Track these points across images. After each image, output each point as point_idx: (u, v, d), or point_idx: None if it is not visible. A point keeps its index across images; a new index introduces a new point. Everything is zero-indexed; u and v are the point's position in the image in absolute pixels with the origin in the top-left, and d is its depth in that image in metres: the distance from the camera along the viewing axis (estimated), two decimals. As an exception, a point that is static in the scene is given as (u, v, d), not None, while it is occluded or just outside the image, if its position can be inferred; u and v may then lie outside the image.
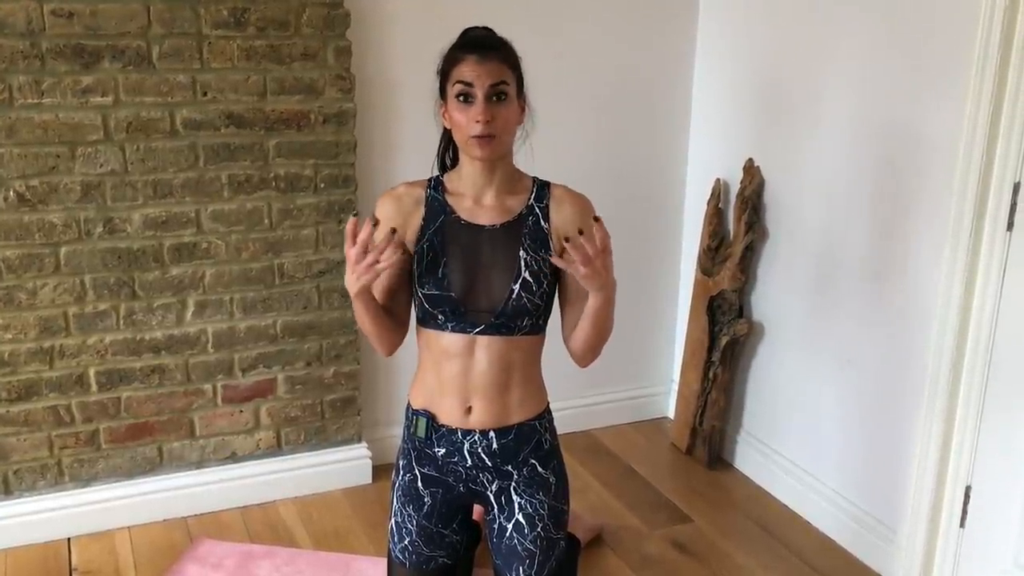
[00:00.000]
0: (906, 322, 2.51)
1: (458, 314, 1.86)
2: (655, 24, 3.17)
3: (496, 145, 1.82)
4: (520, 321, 1.87)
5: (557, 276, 1.94)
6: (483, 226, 1.88)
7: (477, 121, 1.79)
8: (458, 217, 1.89)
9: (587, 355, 1.94)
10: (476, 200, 1.91)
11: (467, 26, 1.93)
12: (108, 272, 2.63)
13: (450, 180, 1.95)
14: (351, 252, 1.74)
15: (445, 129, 1.96)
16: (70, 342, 2.64)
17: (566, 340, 1.95)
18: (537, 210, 1.91)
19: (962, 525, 2.43)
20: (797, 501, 2.95)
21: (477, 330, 1.86)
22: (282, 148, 2.72)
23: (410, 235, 1.92)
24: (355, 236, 1.74)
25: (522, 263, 1.87)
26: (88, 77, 2.49)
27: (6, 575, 2.55)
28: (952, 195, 2.30)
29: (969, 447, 2.37)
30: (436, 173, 1.99)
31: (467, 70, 1.81)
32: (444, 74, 1.87)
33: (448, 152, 2.01)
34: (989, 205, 2.24)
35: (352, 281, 1.78)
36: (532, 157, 2.00)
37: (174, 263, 2.69)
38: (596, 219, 1.72)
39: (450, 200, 1.91)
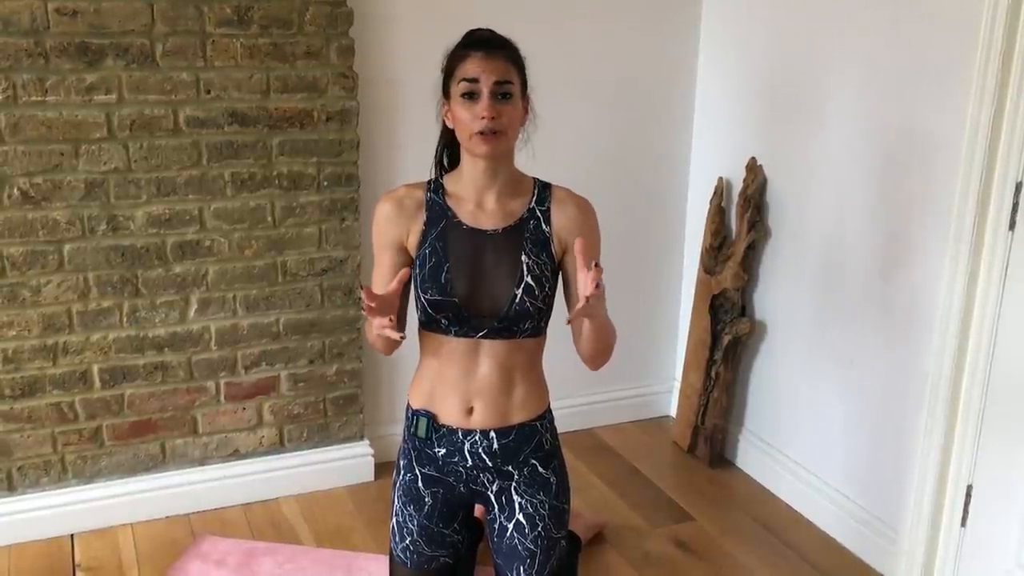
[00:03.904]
0: (908, 321, 2.51)
1: (461, 319, 1.86)
2: (658, 22, 3.17)
3: (501, 142, 1.82)
4: (523, 324, 1.87)
5: (558, 279, 1.94)
6: (484, 230, 1.88)
7: (482, 117, 1.78)
8: (460, 221, 1.89)
9: (597, 359, 1.95)
10: (477, 203, 1.90)
11: (470, 24, 1.93)
12: (111, 269, 2.63)
13: (450, 182, 1.94)
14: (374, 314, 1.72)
15: (444, 129, 1.96)
16: (73, 339, 2.65)
17: (577, 348, 1.96)
18: (538, 213, 1.91)
19: (963, 524, 2.43)
20: (799, 500, 2.95)
21: (480, 334, 1.87)
22: (285, 146, 2.72)
23: (412, 239, 1.92)
24: (372, 298, 1.70)
25: (524, 267, 1.86)
26: (92, 75, 2.49)
27: (10, 572, 2.56)
28: (954, 194, 2.29)
29: (971, 446, 2.37)
30: (434, 175, 1.99)
31: (472, 66, 1.81)
32: (448, 72, 1.87)
33: (446, 153, 2.00)
34: (991, 205, 2.24)
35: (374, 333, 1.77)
36: (533, 158, 2.00)
37: (177, 261, 2.70)
38: (596, 265, 1.68)
39: (451, 203, 1.91)
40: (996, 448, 2.32)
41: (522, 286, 1.85)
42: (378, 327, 1.72)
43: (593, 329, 1.84)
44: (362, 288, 1.70)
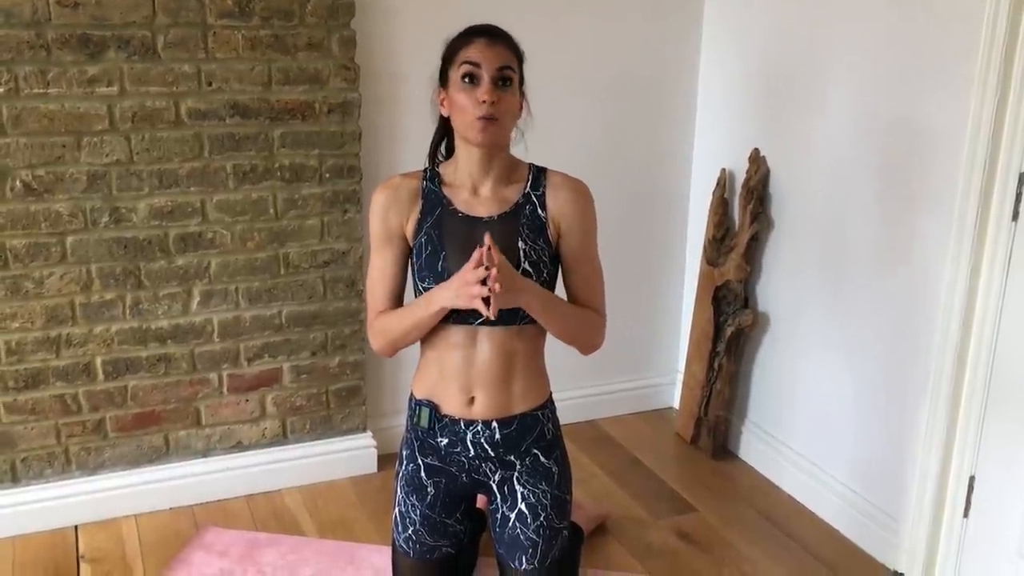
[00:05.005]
0: (911, 312, 2.51)
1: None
2: (661, 14, 3.16)
3: (498, 131, 1.82)
4: (521, 311, 1.87)
5: (558, 264, 1.95)
6: (480, 218, 1.88)
7: (483, 101, 1.78)
8: (455, 209, 1.89)
9: (572, 345, 1.98)
10: (473, 191, 1.90)
11: (472, 17, 1.94)
12: (114, 261, 2.64)
13: (446, 171, 1.94)
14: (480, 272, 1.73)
15: (441, 120, 1.96)
16: (77, 331, 2.65)
17: None
18: (534, 198, 1.91)
19: (966, 515, 2.43)
20: (801, 491, 2.95)
21: (479, 321, 1.87)
22: (287, 138, 2.72)
23: (409, 228, 1.92)
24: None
25: (521, 254, 1.87)
26: (94, 67, 2.49)
27: (14, 562, 2.57)
28: (957, 185, 2.29)
29: (973, 437, 2.37)
30: (428, 164, 1.99)
31: (475, 51, 1.81)
32: (448, 59, 1.87)
33: (442, 144, 2.01)
34: (994, 195, 2.23)
35: (466, 296, 1.76)
36: (533, 153, 2.00)
37: (180, 253, 2.70)
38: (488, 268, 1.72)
39: (447, 192, 1.91)
40: (999, 439, 2.32)
41: (519, 272, 1.85)
42: (477, 293, 1.72)
43: (545, 323, 1.89)
44: (487, 249, 1.71)
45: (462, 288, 1.75)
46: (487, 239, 1.73)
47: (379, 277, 1.95)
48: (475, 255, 1.74)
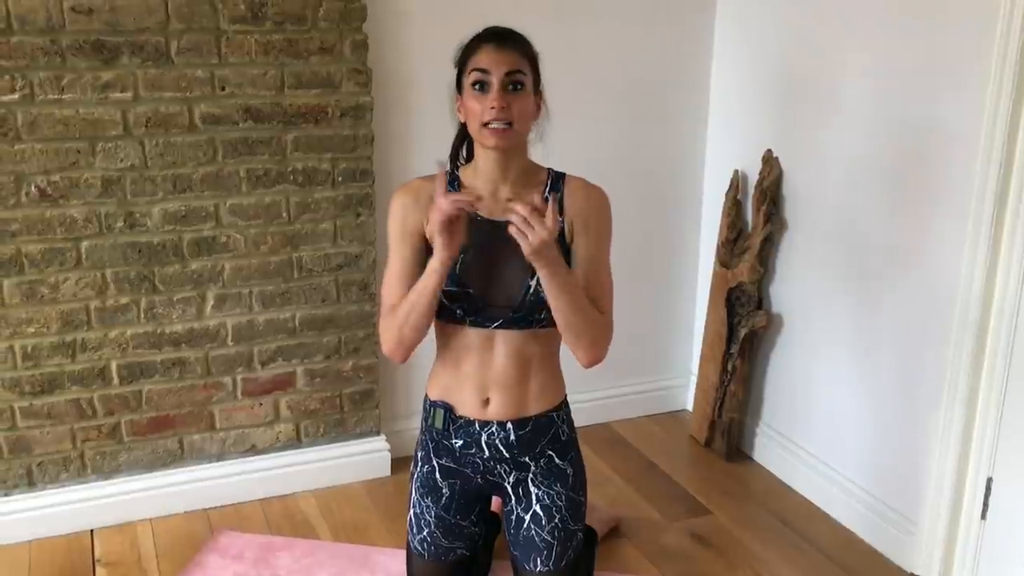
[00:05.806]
0: (926, 313, 2.49)
1: (476, 309, 1.86)
2: (673, 14, 3.16)
3: (511, 135, 1.82)
4: (538, 314, 1.87)
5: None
6: (499, 221, 1.88)
7: (492, 107, 1.79)
8: (475, 213, 1.89)
9: (573, 346, 1.90)
10: (492, 195, 1.91)
11: (484, 20, 1.94)
12: (129, 266, 2.65)
13: (465, 175, 1.95)
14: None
15: (461, 125, 1.97)
16: (92, 336, 2.66)
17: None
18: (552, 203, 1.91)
19: (983, 517, 2.41)
20: (816, 493, 2.94)
21: (495, 324, 1.87)
22: (300, 142, 2.73)
23: (428, 230, 1.92)
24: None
25: None
26: (108, 72, 2.50)
27: (30, 566, 2.58)
28: (973, 184, 2.28)
29: (991, 438, 2.36)
30: (448, 168, 2.00)
31: (484, 58, 1.82)
32: (461, 65, 1.88)
33: (463, 148, 2.01)
34: (1010, 194, 2.22)
35: (448, 244, 1.77)
36: (548, 155, 2.00)
37: (193, 257, 2.71)
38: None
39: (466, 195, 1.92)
40: (1017, 440, 2.30)
41: (536, 276, 1.85)
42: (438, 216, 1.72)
43: (557, 303, 1.82)
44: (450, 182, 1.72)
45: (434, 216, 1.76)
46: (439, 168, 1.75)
47: (397, 278, 1.95)
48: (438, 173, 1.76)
